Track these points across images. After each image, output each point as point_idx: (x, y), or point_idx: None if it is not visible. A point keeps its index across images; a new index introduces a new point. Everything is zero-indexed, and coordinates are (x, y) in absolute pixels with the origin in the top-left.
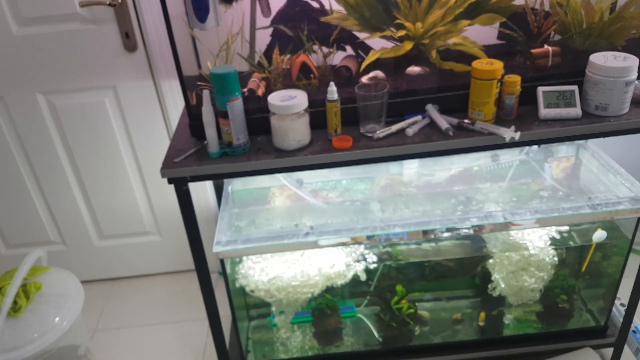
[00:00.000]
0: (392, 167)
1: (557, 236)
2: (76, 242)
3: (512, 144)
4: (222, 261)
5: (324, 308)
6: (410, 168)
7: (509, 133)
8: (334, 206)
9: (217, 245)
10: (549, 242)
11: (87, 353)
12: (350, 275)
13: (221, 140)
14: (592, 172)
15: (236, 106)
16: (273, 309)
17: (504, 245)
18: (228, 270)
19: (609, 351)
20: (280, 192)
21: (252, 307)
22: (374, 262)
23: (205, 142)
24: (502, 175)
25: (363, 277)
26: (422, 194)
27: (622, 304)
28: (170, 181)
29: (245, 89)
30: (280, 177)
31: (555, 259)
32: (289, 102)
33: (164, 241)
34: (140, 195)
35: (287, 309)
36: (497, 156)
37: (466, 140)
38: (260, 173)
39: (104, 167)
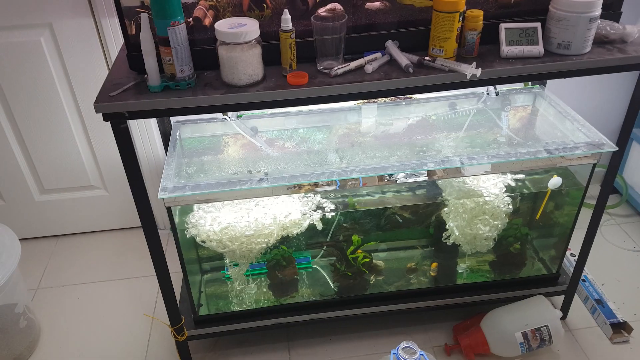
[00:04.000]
0: (350, 116)
1: (513, 184)
2: (15, 196)
3: (473, 82)
4: (169, 210)
5: (280, 259)
6: (368, 117)
7: (470, 70)
8: (290, 155)
9: (163, 191)
10: (504, 190)
11: (27, 311)
12: (306, 224)
13: (163, 74)
14: (549, 120)
15: (178, 32)
16: (227, 260)
17: (459, 193)
18: (176, 220)
19: (559, 299)
20: (234, 140)
21: (206, 260)
22: (330, 211)
23: (146, 76)
24: (460, 124)
25: (319, 226)
26: (379, 143)
27: (572, 254)
28: (106, 117)
29: (191, 19)
30: (234, 124)
31: (510, 207)
32: (238, 29)
33: (111, 196)
34: (83, 146)
35: (240, 260)
36: (454, 105)
37: (426, 77)
38: (207, 111)
39: (42, 115)
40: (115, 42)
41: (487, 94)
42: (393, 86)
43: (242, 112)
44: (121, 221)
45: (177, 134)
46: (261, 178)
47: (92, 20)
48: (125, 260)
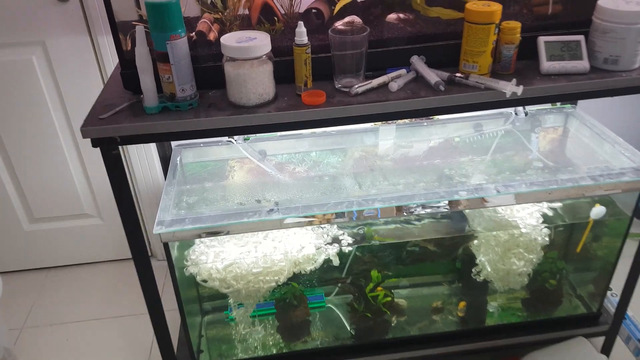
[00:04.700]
0: (367, 138)
1: (549, 213)
2: (1, 225)
3: (511, 102)
4: (166, 246)
5: (290, 298)
6: (387, 139)
7: (510, 87)
8: (302, 181)
9: (159, 226)
10: (541, 220)
11: (7, 356)
12: (321, 259)
13: (162, 94)
14: (585, 142)
15: (179, 46)
16: (230, 301)
17: (490, 224)
18: (174, 255)
19: (599, 340)
20: (240, 165)
21: (206, 299)
22: (348, 244)
23: (142, 96)
24: (486, 147)
25: (336, 261)
26: (400, 168)
27: (612, 293)
28: (95, 143)
29: (193, 33)
30: (240, 147)
31: (547, 239)
32: (247, 43)
33: (106, 225)
34: (77, 170)
35: (246, 300)
36: (480, 126)
37: (459, 96)
38: (211, 134)
39: (32, 137)
40: (113, 61)
41: (516, 114)
42: (422, 106)
43: (249, 135)
44: (117, 252)
45: (178, 159)
46: (271, 209)
47: (88, 37)
48: (121, 296)
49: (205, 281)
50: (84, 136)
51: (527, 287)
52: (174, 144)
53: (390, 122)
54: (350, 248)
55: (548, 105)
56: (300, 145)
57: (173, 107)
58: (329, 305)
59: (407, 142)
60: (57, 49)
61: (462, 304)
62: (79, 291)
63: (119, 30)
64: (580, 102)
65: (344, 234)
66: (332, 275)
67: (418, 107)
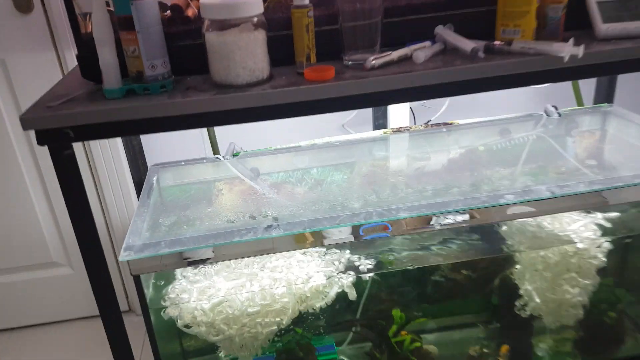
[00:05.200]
0: (376, 149)
1: (606, 225)
2: None
3: (567, 72)
4: (137, 280)
5: (295, 349)
6: (399, 150)
7: (568, 49)
8: (303, 200)
9: (127, 252)
10: (599, 233)
11: None
12: (333, 293)
13: (127, 77)
14: (633, 143)
15: (146, 8)
16: (221, 354)
17: (534, 242)
18: (149, 296)
19: None
20: (229, 187)
21: (192, 354)
22: (367, 271)
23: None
24: (517, 155)
25: (352, 295)
26: (419, 182)
27: None
28: (41, 138)
29: (168, 11)
30: (229, 165)
31: (604, 259)
32: (233, 0)
33: (77, 274)
34: (43, 210)
35: (241, 352)
36: (507, 131)
37: (504, 63)
38: (190, 123)
39: None
40: None
41: (547, 114)
42: (457, 77)
43: (238, 151)
44: (90, 307)
45: (155, 178)
46: (270, 225)
47: (54, 53)
48: (94, 358)
49: (188, 327)
50: (25, 127)
51: (582, 323)
52: (149, 163)
53: (401, 129)
54: (367, 277)
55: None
56: (299, 161)
57: (141, 90)
58: (342, 357)
59: (423, 153)
60: (19, 66)
61: (505, 348)
62: (46, 355)
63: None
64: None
65: (359, 259)
66: (344, 318)
67: (453, 79)
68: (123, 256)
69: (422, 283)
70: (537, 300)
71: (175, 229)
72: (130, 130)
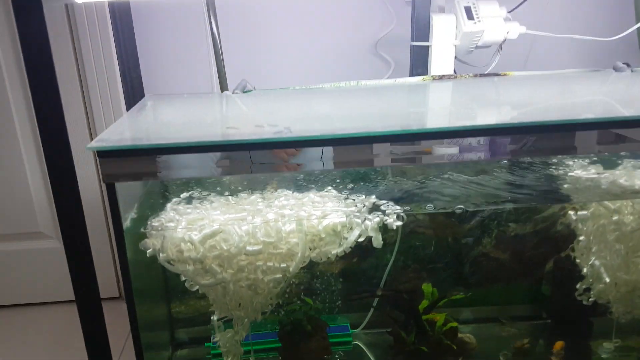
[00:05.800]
0: (412, 94)
1: None
2: None
3: None
4: (110, 188)
5: (302, 321)
6: (443, 96)
7: None
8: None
9: (98, 142)
10: None
11: None
12: (354, 236)
13: None
14: None
15: None
16: (214, 318)
17: (602, 200)
18: (127, 224)
19: None
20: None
21: (182, 321)
22: (396, 215)
23: None
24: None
25: (377, 242)
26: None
27: None
28: None
29: None
30: (238, 100)
31: None
32: None
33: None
34: (34, 173)
35: (237, 313)
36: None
37: None
38: None
39: None
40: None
41: (615, 70)
42: None
43: (250, 88)
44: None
45: (149, 103)
46: (279, 131)
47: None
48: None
49: (171, 263)
50: None
51: None
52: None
53: (445, 77)
54: (398, 223)
55: None
56: (319, 104)
57: None
58: (357, 342)
59: (476, 96)
60: None
61: (559, 344)
62: (24, 338)
63: None
64: None
65: (388, 205)
66: (363, 289)
67: None
68: (93, 144)
69: (460, 265)
70: (607, 279)
71: (164, 130)
72: None
